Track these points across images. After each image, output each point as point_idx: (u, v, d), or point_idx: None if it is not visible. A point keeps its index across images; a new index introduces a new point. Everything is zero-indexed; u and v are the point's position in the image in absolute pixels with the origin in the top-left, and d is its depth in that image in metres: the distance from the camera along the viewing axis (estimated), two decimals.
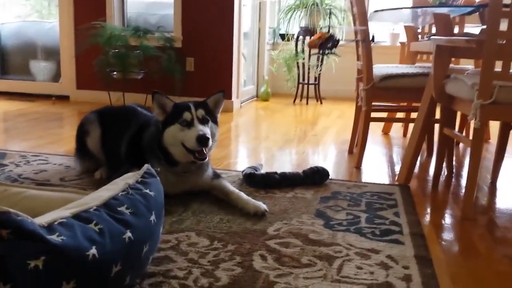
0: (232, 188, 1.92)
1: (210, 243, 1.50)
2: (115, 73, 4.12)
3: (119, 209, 1.08)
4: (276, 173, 2.14)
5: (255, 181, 2.10)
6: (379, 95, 2.50)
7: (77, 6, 4.61)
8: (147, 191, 1.19)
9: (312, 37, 1.49)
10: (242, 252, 1.44)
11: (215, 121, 1.88)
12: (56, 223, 0.95)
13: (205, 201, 1.88)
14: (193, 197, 1.90)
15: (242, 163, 2.60)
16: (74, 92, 4.72)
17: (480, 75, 1.76)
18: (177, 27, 4.46)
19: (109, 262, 0.98)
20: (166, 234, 1.55)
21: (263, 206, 1.78)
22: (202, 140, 1.73)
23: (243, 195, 1.85)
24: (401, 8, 2.38)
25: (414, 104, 2.94)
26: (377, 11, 2.33)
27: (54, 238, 0.90)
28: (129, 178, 1.22)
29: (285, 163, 2.64)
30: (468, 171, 1.86)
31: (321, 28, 5.04)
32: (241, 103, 4.86)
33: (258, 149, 2.96)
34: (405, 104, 3.10)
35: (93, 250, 0.95)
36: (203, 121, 1.79)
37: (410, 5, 3.80)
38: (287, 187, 2.10)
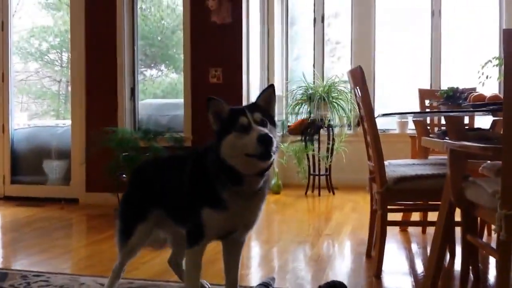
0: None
1: None
2: (124, 175, 4.10)
3: None
4: None
5: None
6: (394, 198, 2.40)
7: (89, 109, 4.71)
8: None
9: (293, 124, 1.46)
10: None
11: (273, 123, 1.66)
12: None
13: None
14: None
15: (254, 274, 2.45)
16: (83, 195, 4.69)
17: (501, 182, 1.66)
18: (187, 126, 4.50)
19: None
20: None
21: None
22: (264, 140, 1.49)
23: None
24: (409, 113, 2.34)
25: (430, 203, 2.82)
26: (384, 114, 2.30)
27: None
28: None
29: (299, 271, 2.49)
30: (496, 285, 1.70)
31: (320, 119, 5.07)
32: None
33: (270, 256, 2.82)
34: (421, 202, 2.98)
35: None
36: (261, 124, 1.57)
37: (417, 95, 3.82)
38: None
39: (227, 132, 1.58)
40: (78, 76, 4.75)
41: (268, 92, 1.71)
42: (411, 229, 3.40)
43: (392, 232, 3.30)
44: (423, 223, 3.12)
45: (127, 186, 2.08)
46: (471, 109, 2.25)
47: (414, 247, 2.98)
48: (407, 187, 2.37)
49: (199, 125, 4.47)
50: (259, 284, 2.11)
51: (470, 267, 2.26)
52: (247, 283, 2.28)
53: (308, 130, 1.53)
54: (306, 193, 5.31)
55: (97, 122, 4.52)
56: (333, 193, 5.28)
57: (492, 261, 2.64)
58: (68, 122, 4.99)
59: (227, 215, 1.68)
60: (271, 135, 1.52)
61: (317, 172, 5.36)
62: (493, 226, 1.69)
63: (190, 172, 1.79)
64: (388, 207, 2.44)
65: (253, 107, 1.64)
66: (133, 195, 2.04)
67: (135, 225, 1.95)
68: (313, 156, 5.35)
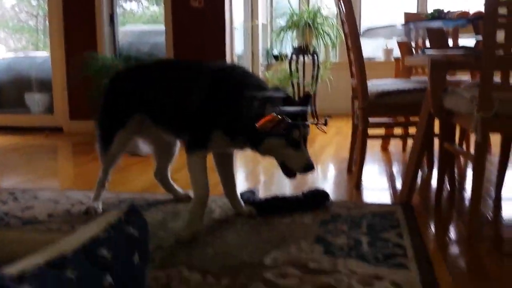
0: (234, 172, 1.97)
1: (202, 279, 1.41)
2: None
3: (98, 252, 1.00)
4: (276, 197, 2.06)
5: (255, 207, 2.02)
6: (375, 113, 2.44)
7: (68, 38, 4.60)
8: (130, 231, 1.11)
9: (264, 119, 1.48)
10: (236, 287, 1.35)
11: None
12: (27, 274, 0.87)
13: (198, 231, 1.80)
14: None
15: (239, 187, 2.52)
16: (67, 123, 4.67)
17: (479, 87, 1.70)
18: (169, 54, 4.43)
19: None
20: (156, 269, 1.46)
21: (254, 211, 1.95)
22: (309, 169, 1.63)
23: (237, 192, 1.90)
24: (394, 26, 2.33)
25: (412, 119, 2.88)
26: (370, 29, 2.28)
27: None
28: (111, 216, 1.14)
29: (284, 184, 2.56)
30: (472, 187, 1.78)
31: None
32: None
33: (256, 171, 2.89)
34: (402, 119, 3.03)
35: None
36: (305, 140, 1.65)
37: (403, 19, 3.78)
38: (287, 212, 2.02)
39: (276, 134, 1.59)
40: (56, 6, 4.58)
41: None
42: (392, 148, 3.49)
43: (373, 151, 3.38)
44: (404, 136, 3.18)
45: (105, 94, 2.05)
46: (453, 20, 2.25)
47: (394, 163, 3.07)
48: (388, 102, 2.40)
49: (181, 52, 4.40)
50: (246, 191, 2.18)
51: (446, 178, 2.35)
52: None
53: (277, 127, 1.54)
54: None
55: (77, 50, 4.42)
56: (317, 120, 5.34)
57: (468, 174, 2.74)
58: (48, 54, 4.87)
59: (233, 142, 1.75)
60: (314, 165, 1.64)
61: None
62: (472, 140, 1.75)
63: (210, 92, 1.73)
64: (370, 122, 2.48)
65: (304, 116, 1.64)
66: (112, 103, 2.02)
67: (114, 132, 1.97)
68: (298, 84, 5.35)
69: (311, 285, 1.36)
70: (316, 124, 1.63)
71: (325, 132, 1.59)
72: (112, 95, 2.04)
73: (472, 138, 1.76)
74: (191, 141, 1.78)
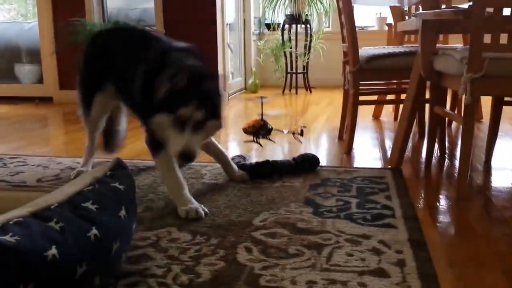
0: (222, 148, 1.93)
1: (192, 238, 1.41)
2: None
3: (83, 205, 0.99)
4: (266, 162, 2.06)
5: (245, 171, 2.02)
6: (366, 77, 2.42)
7: (55, 4, 4.50)
8: (116, 184, 1.10)
9: (246, 124, 1.48)
10: (225, 246, 1.36)
11: (218, 117, 1.52)
12: (10, 223, 0.86)
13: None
14: None
15: (231, 154, 2.51)
16: (57, 93, 4.62)
17: (469, 47, 1.68)
18: (159, 20, 4.36)
19: (72, 263, 0.90)
20: (145, 230, 1.46)
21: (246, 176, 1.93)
22: (185, 157, 1.46)
23: (231, 160, 1.84)
24: None
25: (403, 86, 2.87)
26: None
27: (7, 238, 0.82)
28: (97, 171, 1.14)
29: (275, 152, 2.56)
30: (461, 150, 1.78)
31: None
32: (229, 96, 4.77)
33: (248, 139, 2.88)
34: (394, 86, 3.02)
35: (53, 250, 0.86)
36: (199, 125, 1.47)
37: None
38: (277, 176, 2.02)
39: (163, 109, 1.44)
40: None
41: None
42: (383, 117, 3.49)
43: (365, 120, 3.38)
44: (396, 102, 3.17)
45: (83, 56, 1.98)
46: None
47: (386, 131, 3.07)
48: (379, 66, 2.39)
49: (171, 19, 4.32)
50: (236, 155, 2.18)
51: (437, 145, 2.36)
52: None
53: (259, 131, 1.54)
54: (283, 91, 5.33)
55: (64, 16, 4.33)
56: (310, 92, 5.32)
57: (458, 142, 2.75)
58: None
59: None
60: (195, 155, 1.44)
61: (294, 70, 5.34)
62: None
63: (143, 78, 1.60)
64: (361, 88, 2.47)
65: (204, 99, 1.45)
66: (88, 65, 1.97)
67: (93, 96, 1.93)
68: (290, 54, 5.30)
69: (299, 244, 1.37)
70: (293, 134, 1.57)
71: (301, 142, 1.53)
72: (88, 58, 1.97)
73: (463, 103, 1.76)
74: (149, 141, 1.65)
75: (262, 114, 1.48)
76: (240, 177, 1.97)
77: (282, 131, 1.53)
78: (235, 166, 1.98)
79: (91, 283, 0.97)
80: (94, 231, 0.96)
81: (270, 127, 1.44)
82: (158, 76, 1.46)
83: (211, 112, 1.47)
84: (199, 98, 1.43)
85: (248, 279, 1.16)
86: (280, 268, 1.22)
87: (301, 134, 1.55)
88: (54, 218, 0.92)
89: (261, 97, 1.56)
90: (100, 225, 0.98)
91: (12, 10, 7.60)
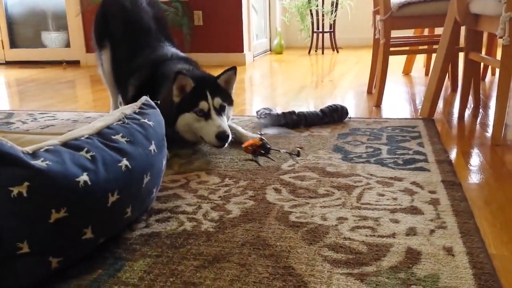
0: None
1: (221, 181, 1.41)
2: None
3: (113, 137, 0.99)
4: (294, 112, 2.03)
5: (271, 120, 1.99)
6: (397, 25, 2.33)
7: None
8: (145, 121, 1.10)
9: (246, 143, 1.47)
10: (254, 187, 1.35)
11: (231, 103, 1.71)
12: (42, 150, 0.87)
13: None
14: None
15: (256, 108, 2.49)
16: (84, 56, 4.64)
17: None
18: None
19: (104, 190, 0.90)
20: (175, 174, 1.47)
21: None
22: (222, 138, 1.56)
23: (240, 129, 1.83)
24: None
25: (435, 38, 2.76)
26: None
27: (38, 163, 0.82)
28: (126, 109, 1.13)
29: (301, 107, 2.52)
30: (497, 93, 1.71)
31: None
32: (254, 57, 4.71)
33: (274, 96, 2.84)
34: (426, 35, 2.91)
35: (84, 177, 0.86)
36: (220, 110, 1.63)
37: None
38: (305, 127, 1.99)
39: (186, 110, 1.61)
40: None
41: (230, 74, 1.70)
42: (414, 73, 3.39)
43: (395, 76, 3.29)
44: (428, 51, 3.04)
45: (95, 16, 2.16)
46: None
47: (416, 86, 2.98)
48: (411, 12, 2.29)
49: None
50: (263, 108, 2.16)
51: (471, 94, 2.28)
52: (249, 114, 2.33)
53: (258, 150, 1.52)
54: (309, 52, 5.22)
55: None
56: (337, 52, 5.20)
57: (493, 93, 2.65)
58: None
59: None
60: (228, 133, 1.57)
61: (320, 30, 5.22)
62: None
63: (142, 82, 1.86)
64: (392, 39, 2.38)
65: (214, 89, 1.64)
66: (98, 21, 2.14)
67: (100, 51, 2.13)
68: (317, 12, 5.17)
69: (329, 185, 1.35)
70: (290, 154, 1.57)
71: (298, 163, 1.53)
72: (99, 18, 2.14)
73: (499, 52, 1.67)
74: None
75: (261, 134, 1.52)
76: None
77: (279, 151, 1.54)
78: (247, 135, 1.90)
79: (123, 213, 0.97)
80: (125, 161, 0.96)
81: (268, 146, 1.45)
82: (159, 87, 1.74)
83: (223, 98, 1.64)
84: (210, 90, 1.61)
85: (278, 215, 1.16)
86: (310, 206, 1.21)
87: (298, 155, 1.55)
88: (85, 147, 0.92)
89: (298, 149, 1.60)
90: (131, 157, 0.98)
91: None
